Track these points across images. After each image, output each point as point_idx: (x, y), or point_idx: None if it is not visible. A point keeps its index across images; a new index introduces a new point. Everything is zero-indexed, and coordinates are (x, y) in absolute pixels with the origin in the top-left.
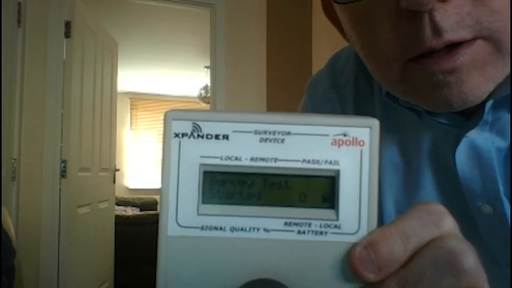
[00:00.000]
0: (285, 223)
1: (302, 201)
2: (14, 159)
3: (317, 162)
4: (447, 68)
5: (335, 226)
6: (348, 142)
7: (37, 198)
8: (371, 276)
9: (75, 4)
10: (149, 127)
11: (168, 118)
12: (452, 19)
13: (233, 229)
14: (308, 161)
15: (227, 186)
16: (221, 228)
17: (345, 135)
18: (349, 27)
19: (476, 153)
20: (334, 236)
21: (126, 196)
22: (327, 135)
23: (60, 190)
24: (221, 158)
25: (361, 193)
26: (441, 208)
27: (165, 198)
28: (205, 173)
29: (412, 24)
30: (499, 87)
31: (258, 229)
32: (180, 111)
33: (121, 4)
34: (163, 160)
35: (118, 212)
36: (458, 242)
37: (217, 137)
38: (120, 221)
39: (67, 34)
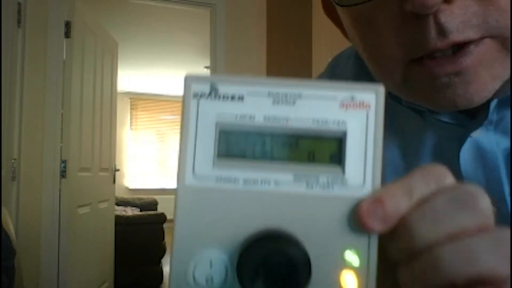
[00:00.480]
0: (295, 177)
1: (311, 159)
2: (14, 159)
3: (326, 123)
4: (452, 71)
5: (342, 181)
6: (355, 105)
7: (37, 198)
8: (377, 227)
9: (75, 4)
10: (149, 127)
11: (188, 81)
12: (457, 20)
13: (245, 181)
14: (318, 122)
15: (241, 142)
16: (234, 180)
17: (352, 98)
18: (351, 28)
19: (481, 153)
20: (341, 190)
21: (126, 196)
22: (335, 98)
23: (60, 190)
24: (236, 117)
25: (367, 151)
26: (442, 169)
27: (183, 152)
28: (221, 130)
29: (417, 26)
30: (504, 86)
31: (269, 182)
32: (198, 75)
33: (121, 4)
34: (182, 119)
35: (118, 212)
36: (475, 187)
37: (233, 97)
38: (120, 221)
39: (67, 34)
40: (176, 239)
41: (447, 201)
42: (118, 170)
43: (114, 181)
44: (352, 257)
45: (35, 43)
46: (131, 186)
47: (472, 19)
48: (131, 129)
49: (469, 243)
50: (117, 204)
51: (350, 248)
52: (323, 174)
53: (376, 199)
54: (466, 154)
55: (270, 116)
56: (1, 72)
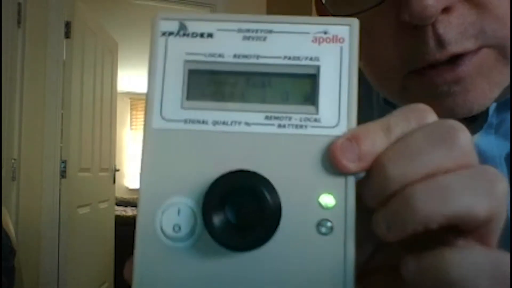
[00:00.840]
0: (266, 117)
1: (283, 98)
2: (14, 159)
3: (298, 58)
4: (451, 79)
5: (315, 120)
6: (328, 40)
7: (37, 198)
8: (351, 166)
9: (75, 4)
10: None
11: (156, 18)
12: (455, 31)
13: (215, 122)
14: (289, 58)
15: (210, 82)
16: (203, 122)
17: (325, 32)
18: None
19: (481, 157)
20: (314, 129)
21: (126, 196)
22: (308, 33)
23: (60, 190)
24: (205, 55)
25: (341, 88)
26: (425, 107)
27: (150, 93)
28: (190, 70)
29: (414, 37)
30: (503, 91)
31: (239, 123)
32: (169, 13)
33: (121, 4)
34: (150, 58)
35: (118, 212)
36: (455, 122)
37: (202, 35)
38: (120, 221)
39: (67, 34)
40: (142, 188)
41: (424, 137)
42: (118, 170)
43: (114, 181)
44: (328, 201)
45: (35, 43)
46: (131, 186)
47: (470, 29)
48: (131, 129)
49: (444, 180)
50: (117, 204)
51: (325, 191)
52: (295, 113)
53: (351, 136)
54: None
55: (240, 54)
56: (1, 72)
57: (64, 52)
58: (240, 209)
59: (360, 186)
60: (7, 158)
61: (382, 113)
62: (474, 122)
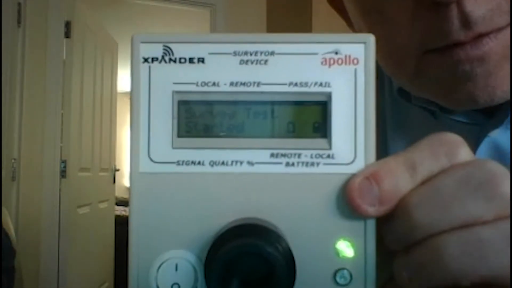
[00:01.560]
0: (272, 155)
1: (290, 130)
2: (14, 159)
3: (306, 85)
4: (476, 56)
5: (328, 156)
6: (340, 61)
7: (37, 198)
8: (371, 210)
9: (75, 4)
10: None
11: (135, 41)
12: (485, 7)
13: (212, 163)
14: (296, 84)
15: (204, 115)
16: (199, 163)
17: (336, 53)
18: (359, 18)
19: (499, 154)
20: (327, 167)
21: (126, 196)
22: (316, 53)
23: (60, 190)
24: (197, 84)
25: (357, 118)
26: (456, 138)
27: (135, 132)
28: (180, 101)
29: (436, 14)
30: None
31: (241, 163)
32: (148, 33)
33: (121, 4)
34: (131, 89)
35: (118, 212)
36: (496, 165)
37: (191, 60)
38: (120, 221)
39: (67, 34)
40: (133, 242)
41: (458, 182)
42: (118, 170)
43: (114, 181)
44: (345, 248)
45: (35, 43)
46: None
47: (503, 4)
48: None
49: (482, 233)
50: (117, 204)
51: (343, 237)
52: (305, 149)
53: (370, 175)
54: (483, 154)
55: (237, 81)
56: (1, 72)
57: (64, 52)
58: (249, 273)
59: (381, 225)
60: (7, 158)
61: (394, 106)
62: (492, 118)
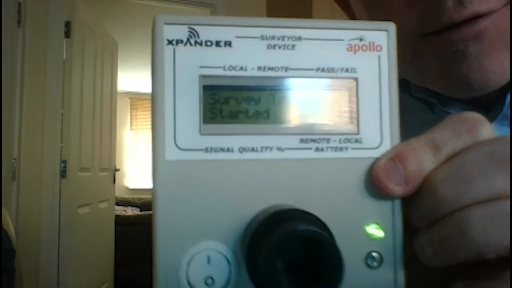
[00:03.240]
0: (301, 140)
1: (319, 117)
2: (14, 159)
3: (333, 70)
4: (470, 34)
5: (356, 141)
6: (364, 47)
7: (37, 198)
8: (397, 189)
9: (75, 4)
10: (149, 127)
11: (158, 23)
12: None
13: (242, 149)
14: (323, 70)
15: (232, 100)
16: (228, 149)
17: (361, 39)
18: (359, 5)
19: None
20: (356, 151)
21: (126, 196)
22: (342, 39)
23: (60, 190)
24: (224, 68)
25: (381, 103)
26: (477, 116)
27: (159, 118)
28: (206, 86)
29: None
30: None
31: (271, 149)
32: (172, 15)
33: (121, 4)
34: (154, 73)
35: (118, 212)
36: None
37: (218, 44)
38: (120, 221)
39: (67, 34)
40: (159, 235)
41: (483, 157)
42: (118, 170)
43: (114, 181)
44: (375, 231)
45: (35, 43)
46: (131, 186)
47: None
48: (131, 129)
49: (507, 207)
50: (117, 204)
51: (372, 220)
52: (334, 134)
53: (395, 155)
54: None
55: (265, 66)
56: (1, 72)
57: (64, 52)
58: (295, 258)
59: (406, 205)
60: (7, 158)
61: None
62: (489, 112)
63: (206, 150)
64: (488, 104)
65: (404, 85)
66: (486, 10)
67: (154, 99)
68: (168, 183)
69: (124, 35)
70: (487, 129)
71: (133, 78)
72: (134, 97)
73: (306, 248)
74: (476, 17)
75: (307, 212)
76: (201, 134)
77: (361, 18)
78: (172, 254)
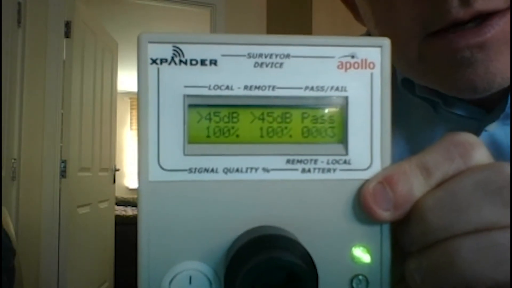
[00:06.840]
0: (287, 161)
1: (306, 136)
2: (14, 159)
3: (322, 89)
4: (476, 43)
5: (345, 162)
6: (356, 65)
7: (37, 198)
8: (385, 215)
9: (75, 4)
10: None
11: (142, 41)
12: None
13: (226, 170)
14: (312, 88)
15: (217, 120)
16: (212, 170)
17: (353, 56)
18: (363, 2)
19: (496, 148)
20: (344, 173)
21: (126, 196)
22: (332, 57)
23: (60, 190)
24: (209, 88)
25: (373, 123)
26: (471, 138)
27: (143, 138)
28: (191, 105)
29: None
30: None
31: (256, 169)
32: (157, 33)
33: (121, 4)
34: (139, 92)
35: (118, 212)
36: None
37: (203, 62)
38: (120, 221)
39: (67, 34)
40: (143, 254)
41: (475, 186)
42: (118, 170)
43: (114, 181)
44: (362, 254)
45: (35, 43)
46: (131, 186)
47: None
48: (131, 129)
49: (498, 239)
50: (117, 204)
51: (359, 244)
52: (321, 155)
53: (385, 179)
54: None
55: (252, 84)
56: (1, 72)
57: (64, 52)
58: (271, 283)
59: (396, 227)
60: (7, 158)
61: (394, 100)
62: (492, 112)
63: (190, 170)
64: (491, 104)
65: (408, 84)
66: (491, 9)
67: (139, 118)
68: (151, 203)
69: (124, 35)
70: (480, 153)
71: (133, 78)
72: (134, 97)
73: (286, 274)
74: (482, 21)
75: (289, 238)
76: (185, 154)
77: (364, 16)
78: (154, 273)
